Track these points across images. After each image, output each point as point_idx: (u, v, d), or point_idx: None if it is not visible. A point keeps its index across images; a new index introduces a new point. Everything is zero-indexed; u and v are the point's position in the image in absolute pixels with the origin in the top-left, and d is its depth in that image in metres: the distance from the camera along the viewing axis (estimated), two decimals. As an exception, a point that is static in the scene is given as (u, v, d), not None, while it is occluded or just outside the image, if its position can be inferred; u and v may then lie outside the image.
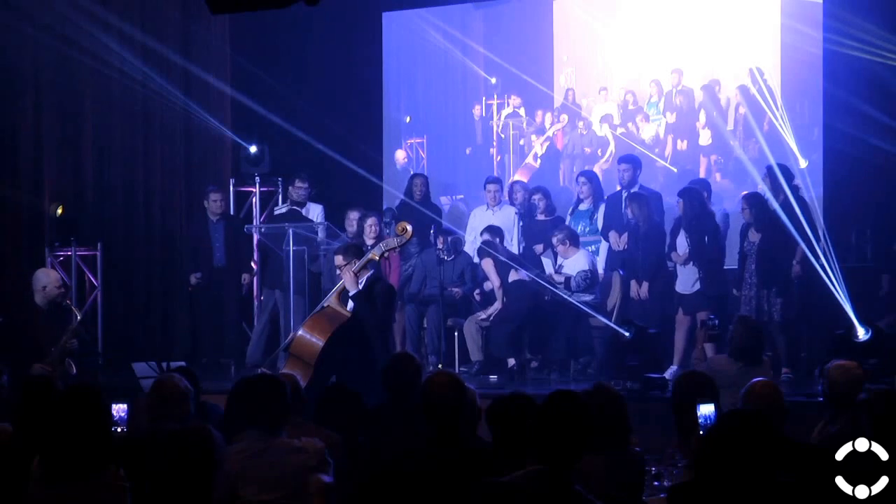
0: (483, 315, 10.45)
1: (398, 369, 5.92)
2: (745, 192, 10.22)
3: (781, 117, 11.36)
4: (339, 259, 8.79)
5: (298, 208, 11.43)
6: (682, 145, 12.16)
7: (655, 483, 5.08)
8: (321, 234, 10.97)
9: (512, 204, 11.42)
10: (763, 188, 10.04)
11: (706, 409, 4.98)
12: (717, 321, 8.81)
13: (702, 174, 11.75)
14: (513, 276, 10.37)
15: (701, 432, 4.84)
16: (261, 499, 4.66)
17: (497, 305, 10.41)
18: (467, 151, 13.19)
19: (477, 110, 13.11)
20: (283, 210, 11.70)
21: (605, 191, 11.26)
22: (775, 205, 9.65)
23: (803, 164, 11.16)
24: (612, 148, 12.38)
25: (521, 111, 12.92)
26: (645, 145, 12.21)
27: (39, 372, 7.97)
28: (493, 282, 10.42)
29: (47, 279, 9.59)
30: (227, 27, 12.55)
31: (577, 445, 3.87)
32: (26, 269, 11.35)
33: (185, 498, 4.08)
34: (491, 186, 11.43)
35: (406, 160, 13.31)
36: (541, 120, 12.83)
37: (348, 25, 12.99)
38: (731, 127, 11.86)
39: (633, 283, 10.21)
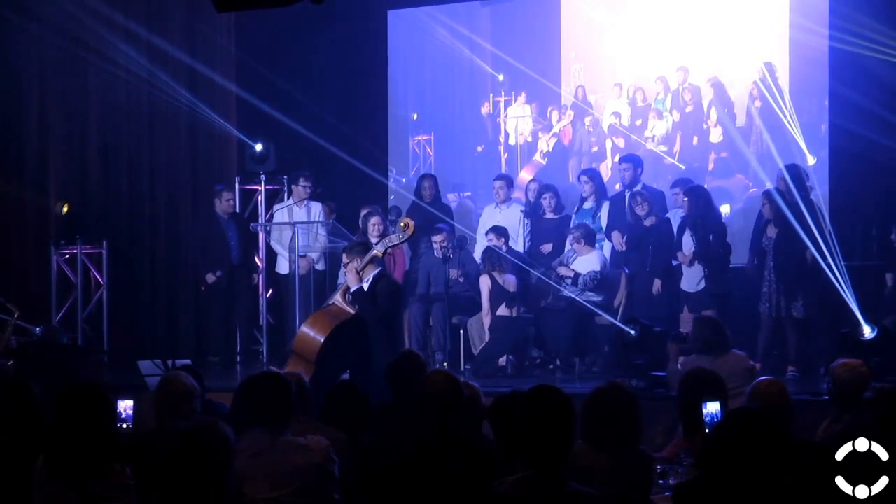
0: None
1: (402, 367, 5.91)
2: (766, 189, 10.14)
3: (790, 115, 11.34)
4: (345, 257, 8.90)
5: (298, 206, 11.40)
6: (691, 142, 12.13)
7: (661, 482, 5.07)
8: (325, 232, 10.97)
9: (522, 202, 11.35)
10: (770, 186, 9.99)
11: (712, 408, 4.99)
12: (688, 334, 8.70)
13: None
14: (501, 311, 10.28)
15: (707, 431, 4.84)
16: (266, 497, 4.65)
17: (485, 340, 10.39)
18: (479, 149, 13.17)
19: (485, 107, 13.10)
20: (284, 209, 11.67)
21: (611, 188, 11.24)
22: (797, 199, 9.58)
23: (811, 161, 11.14)
24: (619, 145, 12.36)
25: (529, 108, 12.90)
26: (653, 142, 12.19)
27: None
28: (484, 305, 10.39)
29: None
30: (233, 25, 12.54)
31: (563, 442, 3.85)
32: (32, 268, 11.38)
33: (196, 496, 4.06)
34: (497, 183, 11.39)
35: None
36: (548, 117, 12.82)
37: (354, 23, 12.98)
38: (739, 124, 11.83)
39: (656, 280, 10.17)
